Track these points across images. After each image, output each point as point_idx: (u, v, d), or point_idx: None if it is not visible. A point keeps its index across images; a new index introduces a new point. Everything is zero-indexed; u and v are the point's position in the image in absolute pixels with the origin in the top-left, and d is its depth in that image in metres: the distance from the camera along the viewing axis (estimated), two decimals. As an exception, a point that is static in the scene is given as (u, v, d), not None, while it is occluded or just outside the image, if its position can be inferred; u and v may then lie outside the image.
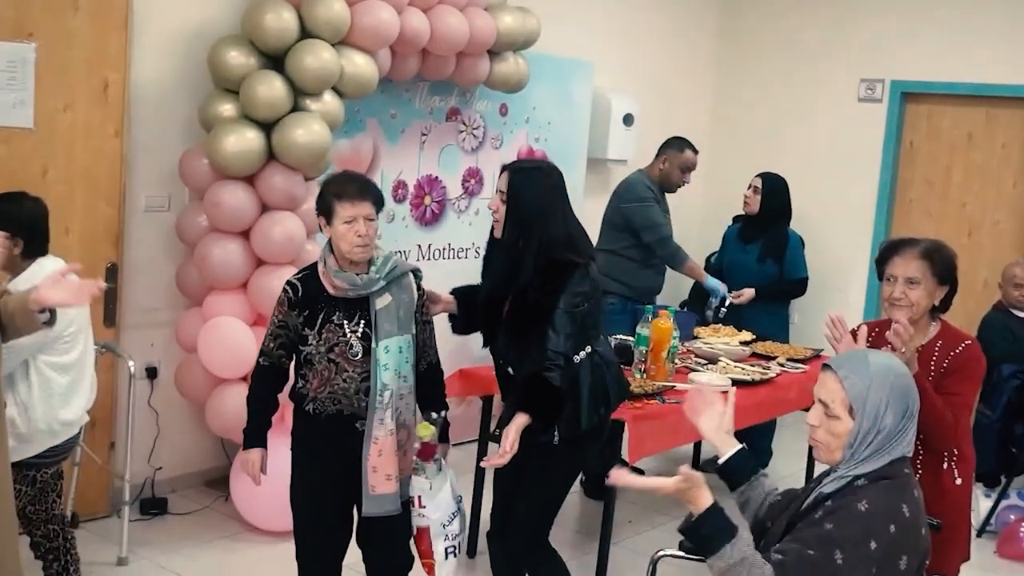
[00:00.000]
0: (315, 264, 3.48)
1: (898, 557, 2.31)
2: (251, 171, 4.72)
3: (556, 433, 3.48)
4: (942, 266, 3.28)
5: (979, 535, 5.33)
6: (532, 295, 3.45)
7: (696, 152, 6.06)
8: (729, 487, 2.80)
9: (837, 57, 7.70)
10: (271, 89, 4.64)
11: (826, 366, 2.52)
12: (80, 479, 4.70)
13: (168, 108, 5.01)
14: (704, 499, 2.36)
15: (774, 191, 6.11)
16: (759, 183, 6.13)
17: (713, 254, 6.85)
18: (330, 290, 3.40)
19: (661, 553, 3.11)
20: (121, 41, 4.69)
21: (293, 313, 3.41)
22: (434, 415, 3.51)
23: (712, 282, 6.07)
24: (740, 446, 2.78)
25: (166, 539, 4.76)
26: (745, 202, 6.16)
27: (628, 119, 7.14)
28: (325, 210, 3.40)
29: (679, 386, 4.53)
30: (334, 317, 3.40)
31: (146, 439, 5.04)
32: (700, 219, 7.99)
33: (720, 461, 2.78)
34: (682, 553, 2.94)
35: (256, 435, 3.50)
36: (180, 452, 5.26)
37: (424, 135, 5.91)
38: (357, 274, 3.40)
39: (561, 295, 3.41)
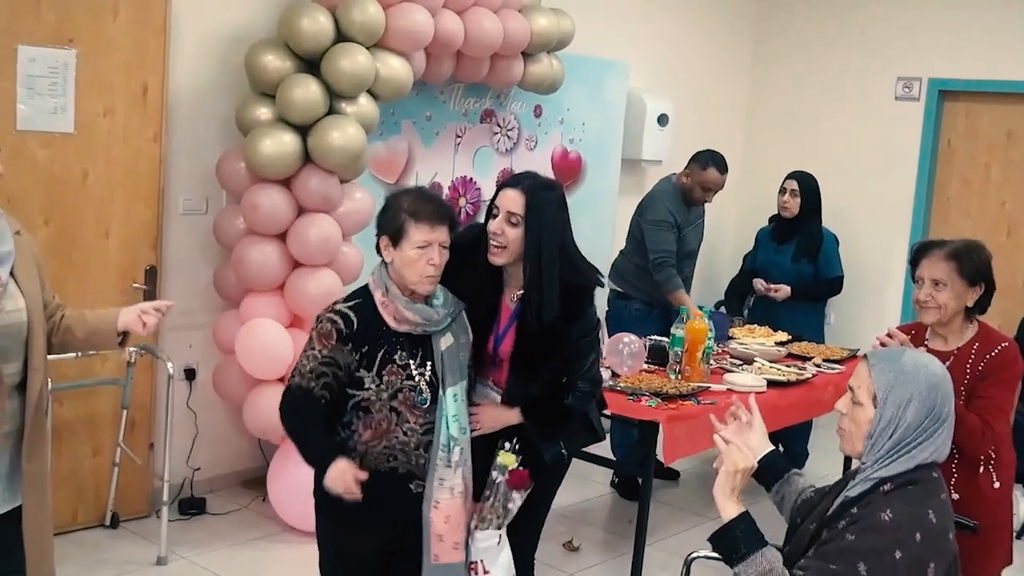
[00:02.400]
0: (364, 291, 3.02)
1: (926, 565, 2.27)
2: (287, 174, 4.75)
3: (564, 450, 3.33)
4: (971, 267, 3.25)
5: (1019, 537, 5.26)
6: (557, 325, 3.15)
7: (723, 171, 5.74)
8: (765, 487, 2.83)
9: (874, 55, 7.64)
10: (307, 92, 4.68)
11: (864, 356, 2.53)
12: (120, 480, 4.79)
13: (205, 112, 5.06)
14: (738, 504, 2.40)
15: (810, 190, 6.07)
16: (795, 185, 6.06)
17: (748, 255, 6.81)
18: (392, 324, 2.95)
19: (695, 555, 3.11)
20: (159, 46, 4.74)
21: (345, 349, 2.92)
22: (507, 444, 3.11)
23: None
24: (772, 447, 2.80)
25: (204, 539, 4.81)
26: (784, 207, 6.09)
27: (663, 119, 7.12)
28: (394, 230, 2.95)
29: (714, 387, 4.52)
30: (396, 357, 2.96)
31: (185, 440, 5.10)
32: (736, 219, 7.96)
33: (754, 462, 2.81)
34: (718, 556, 2.94)
35: (326, 450, 2.92)
36: (218, 453, 5.31)
37: (459, 137, 5.93)
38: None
39: (583, 321, 3.22)
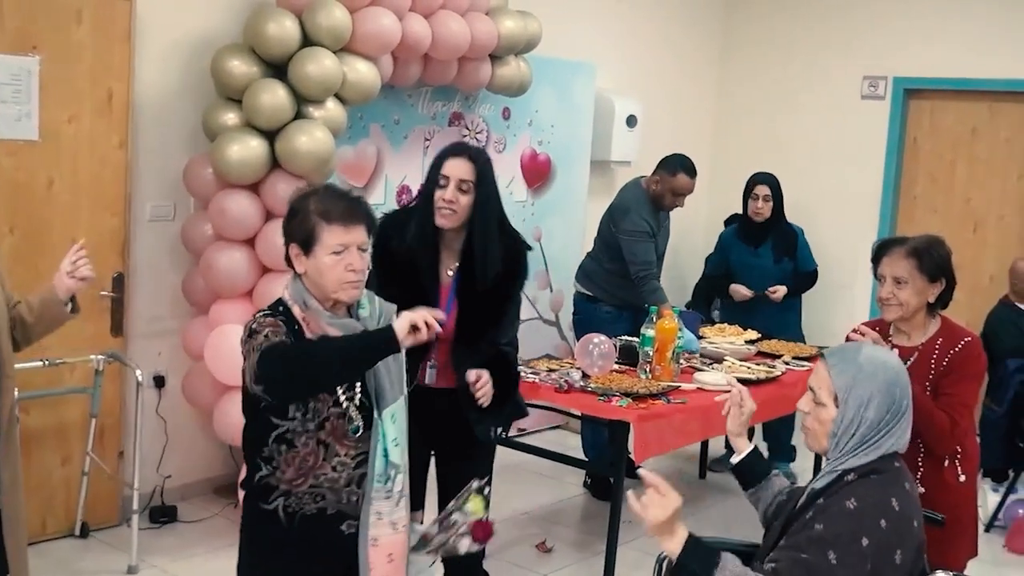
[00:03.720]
0: (280, 303, 2.69)
1: (892, 552, 2.31)
2: (255, 179, 4.74)
3: (502, 428, 3.48)
4: (931, 263, 3.29)
5: (987, 530, 5.33)
6: (504, 285, 3.33)
7: (692, 175, 5.69)
8: (742, 486, 2.87)
9: (840, 55, 7.70)
10: (274, 97, 4.66)
11: (822, 355, 2.58)
12: (89, 489, 4.76)
13: (172, 118, 5.04)
14: (679, 534, 2.31)
15: (779, 191, 6.08)
16: (767, 190, 6.02)
17: (712, 258, 6.79)
18: None
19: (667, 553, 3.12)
20: (124, 52, 4.72)
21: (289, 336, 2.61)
22: (475, 483, 2.84)
23: (687, 335, 5.23)
24: (752, 446, 2.84)
25: (176, 547, 4.78)
26: (757, 212, 6.04)
27: (631, 120, 7.14)
28: (304, 236, 2.60)
29: (684, 386, 4.54)
30: None
31: (155, 448, 5.06)
32: (706, 220, 7.99)
33: (734, 461, 2.87)
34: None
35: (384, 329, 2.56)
36: (189, 460, 5.28)
37: (427, 140, 5.92)
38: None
39: (523, 280, 3.42)
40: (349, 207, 2.62)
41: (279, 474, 2.62)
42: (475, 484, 2.85)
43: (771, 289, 6.00)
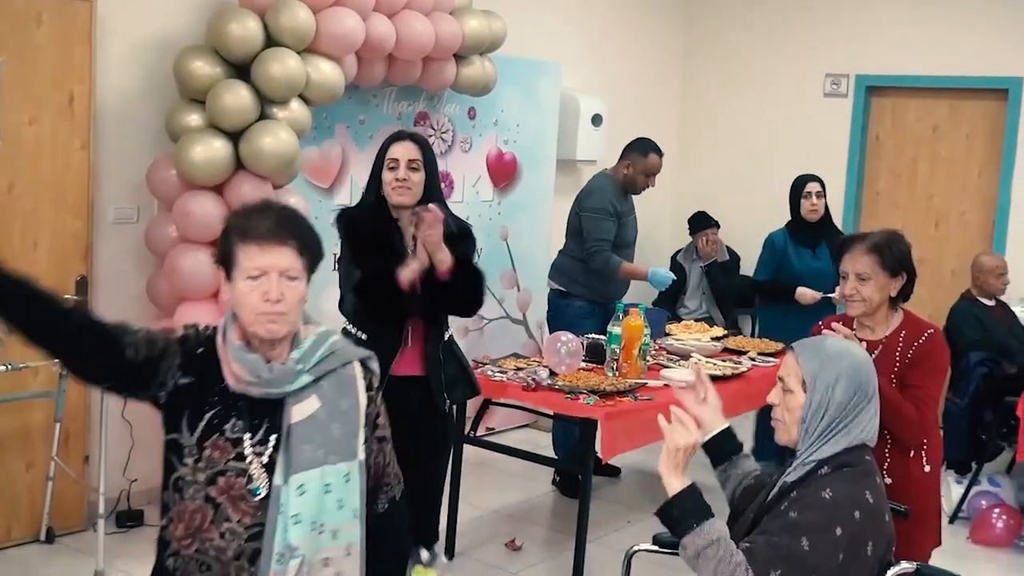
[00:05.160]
0: (208, 328, 2.33)
1: (864, 544, 2.36)
2: (219, 180, 4.72)
3: (448, 400, 3.89)
4: (892, 259, 3.34)
5: (951, 521, 5.39)
6: (460, 247, 3.73)
7: (661, 154, 5.87)
8: (711, 463, 2.90)
9: (802, 53, 7.78)
10: (237, 98, 4.64)
11: (790, 348, 2.63)
12: (55, 494, 4.72)
13: (135, 119, 5.00)
14: (684, 478, 2.44)
15: (825, 190, 6.05)
16: (819, 187, 5.96)
17: (679, 252, 6.79)
18: (229, 381, 2.22)
19: (636, 548, 3.13)
20: (85, 54, 4.68)
21: (175, 363, 2.24)
22: (425, 553, 2.51)
23: (656, 272, 5.71)
24: (726, 424, 2.88)
25: (143, 551, 4.66)
26: (812, 210, 5.94)
27: (597, 119, 7.17)
28: (223, 258, 2.26)
29: (651, 383, 4.56)
30: (227, 426, 2.22)
31: (120, 451, 5.02)
32: (671, 215, 8.03)
33: (705, 438, 2.88)
34: (657, 548, 2.99)
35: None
36: (155, 463, 5.11)
37: (393, 140, 5.91)
38: (269, 360, 2.22)
39: (474, 243, 3.92)
40: (272, 225, 2.21)
41: (171, 528, 2.27)
42: (424, 555, 2.59)
43: (836, 289, 5.86)
